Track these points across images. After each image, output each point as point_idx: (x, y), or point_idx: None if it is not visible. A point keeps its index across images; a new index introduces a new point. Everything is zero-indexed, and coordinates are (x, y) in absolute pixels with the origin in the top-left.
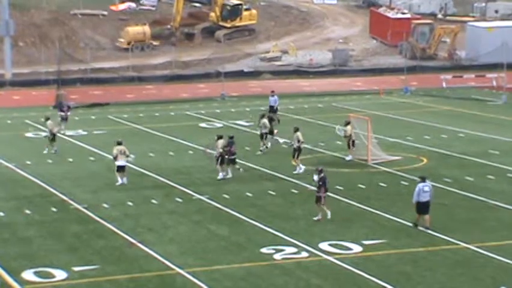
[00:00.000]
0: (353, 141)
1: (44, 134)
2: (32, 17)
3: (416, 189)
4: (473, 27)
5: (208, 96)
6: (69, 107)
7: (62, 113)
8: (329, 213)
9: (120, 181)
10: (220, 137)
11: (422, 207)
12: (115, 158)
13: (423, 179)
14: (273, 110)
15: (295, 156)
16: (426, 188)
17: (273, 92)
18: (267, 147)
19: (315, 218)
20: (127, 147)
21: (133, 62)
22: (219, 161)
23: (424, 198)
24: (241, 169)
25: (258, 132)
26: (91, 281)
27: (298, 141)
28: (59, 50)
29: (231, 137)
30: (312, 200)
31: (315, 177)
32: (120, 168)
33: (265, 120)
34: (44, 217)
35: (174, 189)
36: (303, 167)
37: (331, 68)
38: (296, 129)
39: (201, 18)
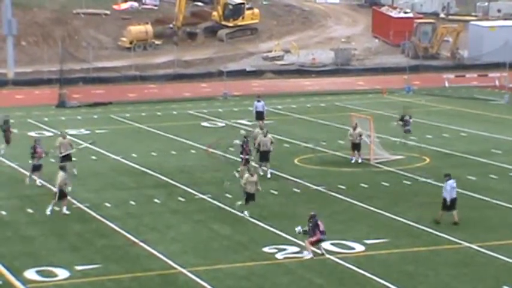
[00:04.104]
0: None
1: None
2: (34, 16)
3: (448, 187)
4: (476, 26)
5: (211, 95)
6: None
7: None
8: (310, 255)
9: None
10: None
11: (452, 204)
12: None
13: (449, 176)
14: (261, 116)
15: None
16: (454, 184)
17: (259, 97)
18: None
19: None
20: (130, 147)
21: (136, 61)
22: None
23: (454, 194)
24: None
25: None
26: (93, 280)
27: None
28: (62, 49)
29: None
30: (314, 198)
31: (298, 229)
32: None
33: None
34: (46, 216)
35: (176, 189)
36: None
37: (334, 67)
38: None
39: (203, 18)
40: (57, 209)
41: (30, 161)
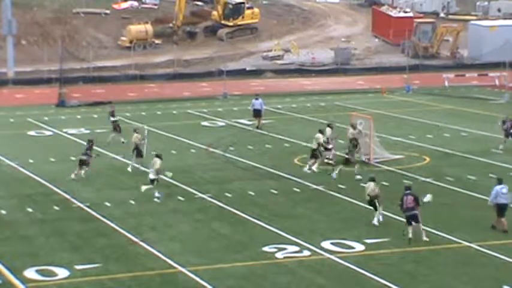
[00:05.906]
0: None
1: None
2: (34, 15)
3: (494, 191)
4: (476, 26)
5: (211, 94)
6: None
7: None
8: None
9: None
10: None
11: (500, 210)
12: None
13: (500, 181)
14: (259, 114)
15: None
16: (504, 190)
17: (257, 95)
18: None
19: (409, 236)
20: (130, 146)
21: (136, 61)
22: None
23: (503, 200)
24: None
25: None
26: (93, 279)
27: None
28: (62, 49)
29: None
30: (313, 198)
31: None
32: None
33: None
34: (46, 215)
35: (176, 188)
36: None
37: (334, 67)
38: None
39: (203, 17)
40: (57, 208)
41: (82, 157)
